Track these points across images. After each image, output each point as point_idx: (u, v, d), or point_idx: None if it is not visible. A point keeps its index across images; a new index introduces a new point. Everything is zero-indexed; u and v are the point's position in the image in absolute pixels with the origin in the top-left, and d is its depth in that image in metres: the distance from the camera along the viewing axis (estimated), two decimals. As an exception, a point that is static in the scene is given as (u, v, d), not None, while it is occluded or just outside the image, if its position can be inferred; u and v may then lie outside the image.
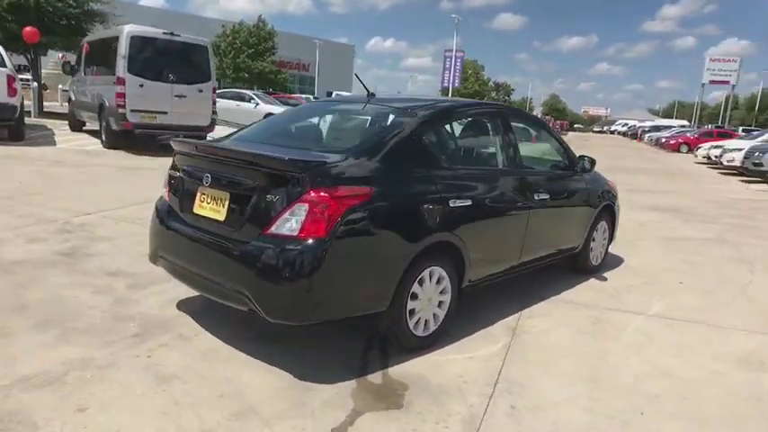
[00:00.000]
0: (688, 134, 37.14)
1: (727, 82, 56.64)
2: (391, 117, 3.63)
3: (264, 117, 20.74)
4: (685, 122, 59.48)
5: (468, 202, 3.50)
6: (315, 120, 4.19)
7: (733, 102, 66.00)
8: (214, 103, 11.79)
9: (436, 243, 3.27)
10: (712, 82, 57.02)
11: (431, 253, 3.25)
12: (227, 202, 3.04)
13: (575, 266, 5.14)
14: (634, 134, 54.80)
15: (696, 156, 25.06)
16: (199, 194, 3.21)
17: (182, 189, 3.37)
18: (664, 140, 37.19)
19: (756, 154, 15.98)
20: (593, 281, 5.11)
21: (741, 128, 43.31)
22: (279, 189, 2.84)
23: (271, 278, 2.80)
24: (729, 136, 32.34)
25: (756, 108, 62.83)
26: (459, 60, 43.57)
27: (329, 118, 4.10)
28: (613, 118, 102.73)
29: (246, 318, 3.54)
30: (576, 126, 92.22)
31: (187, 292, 3.99)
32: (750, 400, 3.07)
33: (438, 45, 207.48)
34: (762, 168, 15.57)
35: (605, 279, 5.19)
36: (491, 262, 3.85)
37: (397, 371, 3.12)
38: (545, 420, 2.73)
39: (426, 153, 3.46)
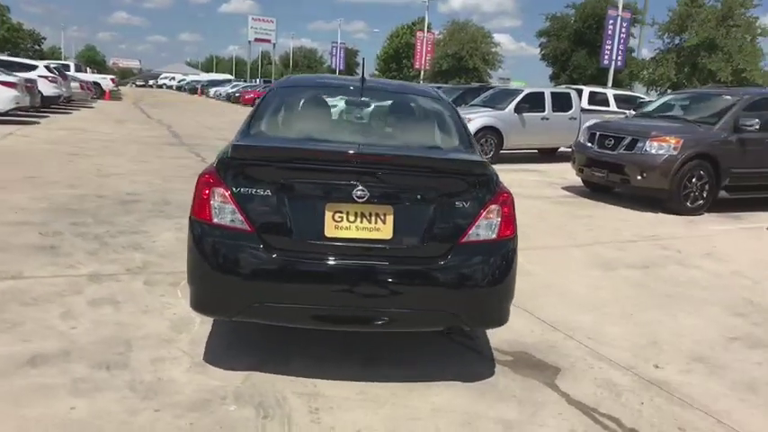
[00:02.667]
0: (258, 89, 40.75)
1: (269, 40, 63.80)
2: (441, 107, 3.53)
3: None
4: (229, 76, 63.61)
5: None
6: (341, 111, 3.59)
7: (267, 58, 75.23)
8: None
9: None
10: (257, 40, 63.03)
11: None
12: (390, 217, 2.59)
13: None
14: (193, 89, 54.82)
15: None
16: (331, 214, 2.57)
17: (283, 211, 2.57)
18: (238, 95, 39.83)
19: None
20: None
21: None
22: (463, 193, 2.67)
23: (483, 287, 2.67)
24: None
25: (291, 65, 73.27)
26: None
27: (360, 109, 3.59)
28: (157, 71, 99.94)
29: (311, 347, 3.10)
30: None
31: (200, 348, 3.02)
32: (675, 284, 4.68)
33: None
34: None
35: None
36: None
37: (514, 347, 3.37)
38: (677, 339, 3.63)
39: None
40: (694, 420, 2.70)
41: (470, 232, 2.67)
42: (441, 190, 2.65)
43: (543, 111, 12.91)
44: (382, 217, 2.59)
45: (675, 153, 7.59)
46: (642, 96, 17.62)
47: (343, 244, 2.58)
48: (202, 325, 3.30)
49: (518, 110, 12.57)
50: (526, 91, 13.05)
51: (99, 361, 2.82)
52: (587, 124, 13.26)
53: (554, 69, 32.08)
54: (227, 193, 2.61)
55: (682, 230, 6.92)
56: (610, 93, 16.98)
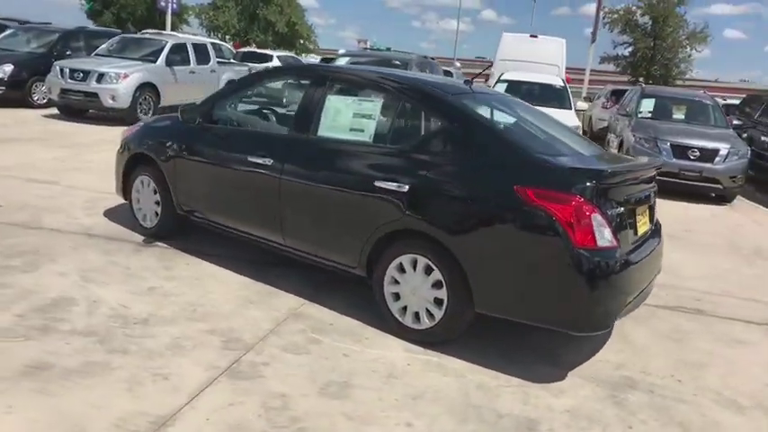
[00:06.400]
0: None
1: None
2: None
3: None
4: None
5: None
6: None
7: None
8: None
9: None
10: None
11: None
12: (647, 210, 3.32)
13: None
14: None
15: None
16: (638, 217, 3.13)
17: (623, 222, 2.99)
18: None
19: None
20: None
21: None
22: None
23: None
24: None
25: None
26: None
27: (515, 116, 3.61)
28: None
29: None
30: None
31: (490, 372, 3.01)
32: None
33: None
34: None
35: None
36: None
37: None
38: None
39: None
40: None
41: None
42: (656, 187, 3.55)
43: (189, 64, 12.34)
44: (646, 212, 3.31)
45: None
46: (223, 43, 18.44)
47: (642, 238, 3.19)
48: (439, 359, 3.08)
49: (169, 63, 11.65)
50: (171, 41, 12.06)
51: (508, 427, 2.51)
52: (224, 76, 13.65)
53: (95, 5, 27.84)
54: (602, 217, 2.77)
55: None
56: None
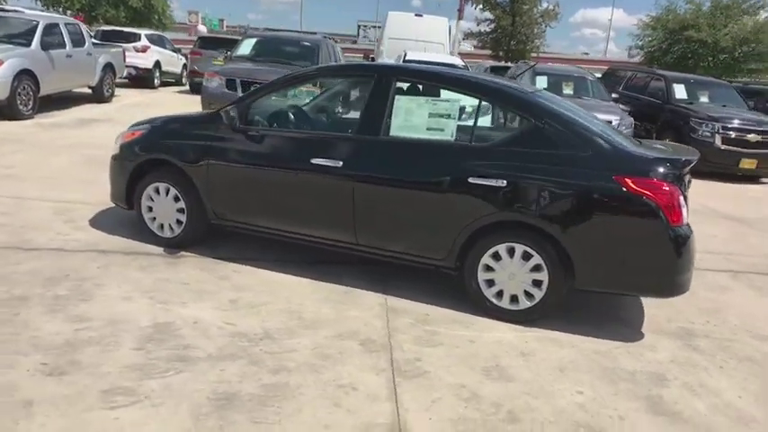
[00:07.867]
0: None
1: None
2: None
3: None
4: None
5: None
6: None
7: None
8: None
9: None
10: None
11: None
12: None
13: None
14: None
15: None
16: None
17: (686, 200, 3.51)
18: None
19: None
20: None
21: None
22: None
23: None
24: None
25: None
26: None
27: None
28: None
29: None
30: None
31: None
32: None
33: None
34: None
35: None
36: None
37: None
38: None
39: None
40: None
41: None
42: None
43: (65, 47, 10.96)
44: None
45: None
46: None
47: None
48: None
49: (44, 46, 10.25)
50: (43, 21, 10.52)
51: (644, 381, 2.97)
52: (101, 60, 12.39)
53: None
54: (683, 198, 3.29)
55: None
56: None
